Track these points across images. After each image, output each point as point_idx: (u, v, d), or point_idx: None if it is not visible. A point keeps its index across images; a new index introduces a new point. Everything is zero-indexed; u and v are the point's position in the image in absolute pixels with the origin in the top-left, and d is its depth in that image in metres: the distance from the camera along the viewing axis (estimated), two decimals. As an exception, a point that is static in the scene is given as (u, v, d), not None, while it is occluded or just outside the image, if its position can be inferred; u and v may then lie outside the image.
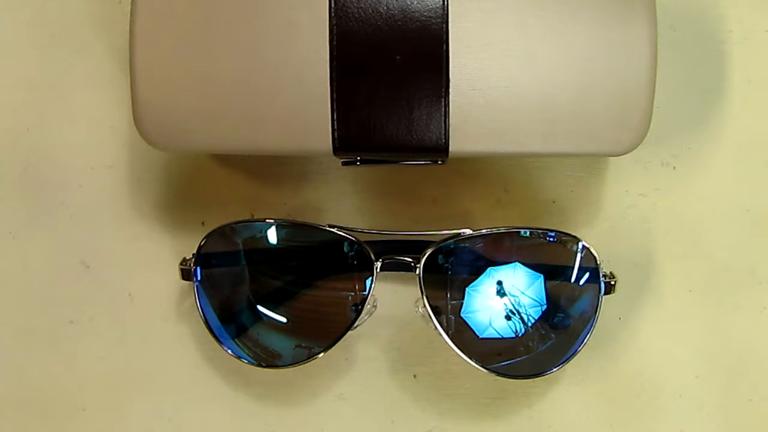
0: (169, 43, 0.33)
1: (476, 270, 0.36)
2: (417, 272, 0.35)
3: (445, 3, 0.32)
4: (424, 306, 0.35)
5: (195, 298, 0.37)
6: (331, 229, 0.36)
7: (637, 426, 0.40)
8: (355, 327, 0.36)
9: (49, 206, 0.40)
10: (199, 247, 0.37)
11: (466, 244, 0.36)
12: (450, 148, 0.33)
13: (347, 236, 0.36)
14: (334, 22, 0.32)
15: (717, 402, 0.40)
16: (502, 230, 0.36)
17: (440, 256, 0.36)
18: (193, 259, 0.37)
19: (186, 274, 0.37)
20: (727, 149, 0.40)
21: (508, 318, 0.36)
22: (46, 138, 0.40)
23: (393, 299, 0.39)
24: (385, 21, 0.32)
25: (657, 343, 0.40)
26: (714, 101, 0.40)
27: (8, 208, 0.40)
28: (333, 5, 0.32)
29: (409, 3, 0.32)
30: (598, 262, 0.36)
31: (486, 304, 0.36)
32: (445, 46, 0.32)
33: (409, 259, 0.35)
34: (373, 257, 0.36)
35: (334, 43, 0.32)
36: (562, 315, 0.36)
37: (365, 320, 0.36)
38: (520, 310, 0.36)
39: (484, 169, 0.40)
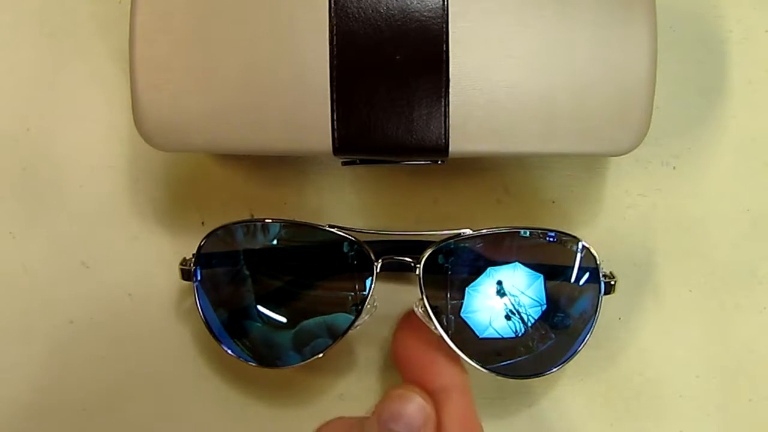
0: (169, 43, 0.33)
1: (476, 270, 0.36)
2: (417, 272, 0.35)
3: (445, 3, 0.32)
4: (424, 306, 0.35)
5: (195, 298, 0.37)
6: (331, 229, 0.36)
7: (637, 426, 0.40)
8: (356, 327, 0.36)
9: (49, 206, 0.40)
10: (199, 247, 0.37)
11: (466, 244, 0.36)
12: (450, 148, 0.33)
13: (347, 236, 0.36)
14: (335, 22, 0.32)
15: (717, 402, 0.40)
16: (502, 230, 0.36)
17: (440, 256, 0.36)
18: (193, 259, 0.37)
19: (186, 274, 0.37)
20: (727, 149, 0.40)
21: (508, 318, 0.36)
22: (46, 138, 0.40)
23: (393, 299, 0.39)
24: (385, 21, 0.32)
25: (657, 343, 0.40)
26: (714, 101, 0.40)
27: (8, 208, 0.40)
28: (333, 5, 0.32)
29: (409, 3, 0.32)
30: (598, 262, 0.36)
31: (486, 304, 0.36)
32: (445, 46, 0.32)
33: (409, 259, 0.35)
34: (373, 257, 0.36)
35: (334, 43, 0.32)
36: (562, 315, 0.36)
37: (365, 320, 0.36)
38: (520, 310, 0.36)
39: (484, 169, 0.40)
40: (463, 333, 0.35)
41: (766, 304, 0.40)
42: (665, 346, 0.40)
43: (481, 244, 0.36)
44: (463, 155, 0.33)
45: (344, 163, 0.35)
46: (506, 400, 0.40)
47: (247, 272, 0.37)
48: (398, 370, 0.36)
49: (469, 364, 0.35)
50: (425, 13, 0.32)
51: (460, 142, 0.33)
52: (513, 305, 0.36)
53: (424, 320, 0.35)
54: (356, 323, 0.36)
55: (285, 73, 0.32)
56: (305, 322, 0.37)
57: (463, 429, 0.34)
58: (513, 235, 0.36)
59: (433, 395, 0.34)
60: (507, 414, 0.40)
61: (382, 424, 0.33)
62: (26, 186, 0.40)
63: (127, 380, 0.40)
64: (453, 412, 0.34)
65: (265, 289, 0.37)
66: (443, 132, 0.33)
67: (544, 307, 0.36)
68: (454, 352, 0.35)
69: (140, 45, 0.33)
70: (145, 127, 0.33)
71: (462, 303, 0.36)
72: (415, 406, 0.33)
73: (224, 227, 0.36)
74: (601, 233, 0.40)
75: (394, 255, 0.36)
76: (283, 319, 0.37)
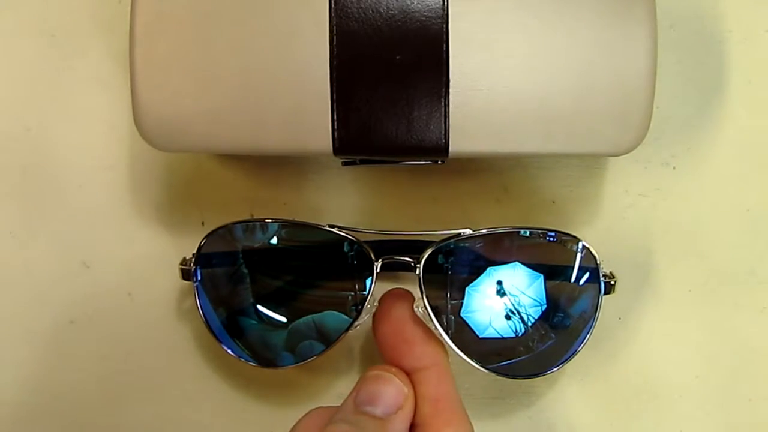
0: (169, 43, 0.33)
1: (476, 270, 0.36)
2: (417, 272, 0.35)
3: (445, 3, 0.32)
4: (424, 306, 0.35)
5: (195, 298, 0.37)
6: (331, 229, 0.36)
7: (637, 426, 0.40)
8: (356, 327, 0.36)
9: (49, 206, 0.40)
10: (199, 247, 0.37)
11: (466, 244, 0.36)
12: (450, 148, 0.33)
13: (347, 236, 0.36)
14: (335, 22, 0.32)
15: (717, 402, 0.40)
16: (502, 230, 0.36)
17: (440, 256, 0.36)
18: (193, 259, 0.37)
19: (186, 274, 0.37)
20: (727, 149, 0.40)
21: (508, 318, 0.36)
22: (46, 138, 0.40)
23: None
24: (386, 21, 0.32)
25: (657, 343, 0.40)
26: (714, 101, 0.40)
27: (8, 208, 0.40)
28: (333, 5, 0.32)
29: (409, 3, 0.32)
30: (598, 262, 0.36)
31: (486, 304, 0.36)
32: (445, 46, 0.32)
33: (409, 259, 0.35)
34: (373, 257, 0.36)
35: (335, 43, 0.32)
36: (562, 315, 0.36)
37: (365, 320, 0.36)
38: (520, 310, 0.36)
39: (484, 169, 0.40)
40: (463, 333, 0.35)
41: (766, 304, 0.40)
42: (665, 346, 0.40)
43: (481, 244, 0.36)
44: (463, 155, 0.33)
45: (344, 163, 0.35)
46: (506, 400, 0.40)
47: (246, 272, 0.37)
48: (379, 351, 0.36)
49: (469, 364, 0.35)
50: (425, 14, 0.32)
51: (460, 143, 0.33)
52: (513, 305, 0.36)
53: (424, 320, 0.35)
54: (356, 323, 0.36)
55: (285, 73, 0.32)
56: (305, 322, 0.37)
57: (437, 409, 0.33)
58: (513, 235, 0.36)
59: (411, 375, 0.33)
60: (507, 414, 0.40)
61: (358, 407, 0.32)
62: (26, 186, 0.40)
63: (127, 380, 0.40)
64: (429, 392, 0.33)
65: (265, 289, 0.37)
66: (443, 132, 0.33)
67: (544, 307, 0.36)
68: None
69: (140, 45, 0.33)
70: (145, 127, 0.33)
71: (462, 303, 0.36)
72: (392, 387, 0.32)
73: (224, 227, 0.36)
74: (601, 233, 0.40)
75: (394, 255, 0.36)
76: (283, 319, 0.37)
